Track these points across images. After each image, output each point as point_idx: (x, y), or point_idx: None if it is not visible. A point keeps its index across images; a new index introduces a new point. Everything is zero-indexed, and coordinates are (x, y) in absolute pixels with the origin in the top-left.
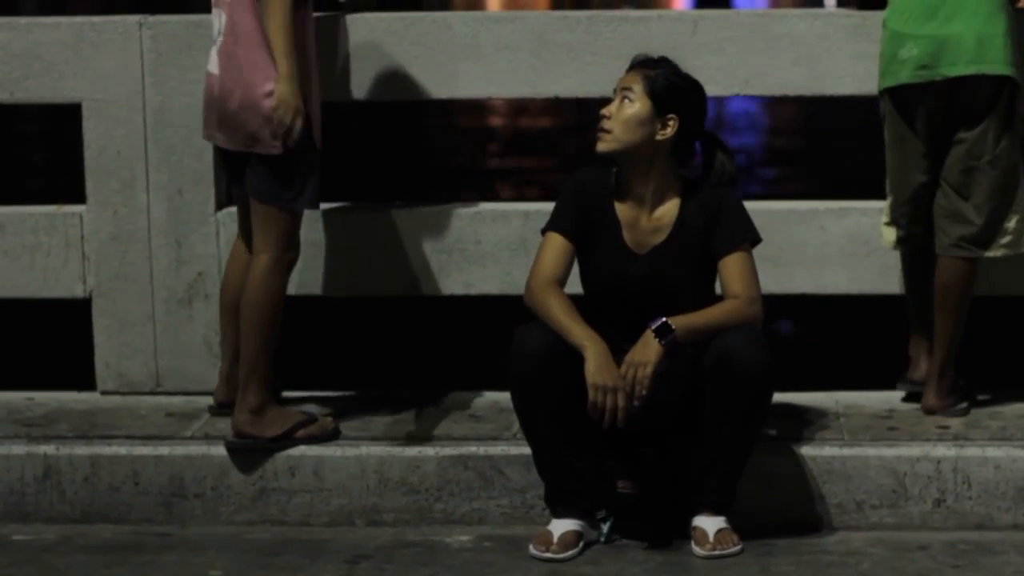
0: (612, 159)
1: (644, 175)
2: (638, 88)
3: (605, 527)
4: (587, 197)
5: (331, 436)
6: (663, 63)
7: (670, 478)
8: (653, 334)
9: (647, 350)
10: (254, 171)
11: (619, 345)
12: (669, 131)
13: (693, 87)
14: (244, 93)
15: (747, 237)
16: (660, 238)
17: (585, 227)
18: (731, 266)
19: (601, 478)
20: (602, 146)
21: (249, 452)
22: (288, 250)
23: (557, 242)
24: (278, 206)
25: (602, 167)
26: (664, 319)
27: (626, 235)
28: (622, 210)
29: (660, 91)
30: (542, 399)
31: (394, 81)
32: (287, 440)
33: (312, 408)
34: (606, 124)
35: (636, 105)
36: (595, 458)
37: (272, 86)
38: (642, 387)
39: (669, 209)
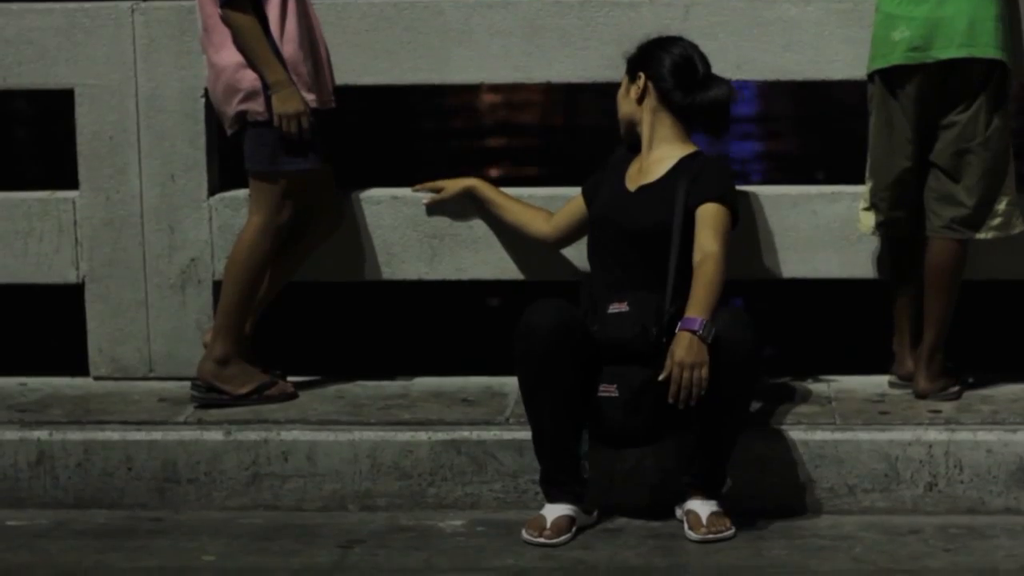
0: (631, 138)
1: (642, 132)
2: (623, 76)
3: (584, 445)
4: (612, 162)
5: (289, 398)
6: (649, 40)
7: (653, 397)
8: (698, 336)
9: (699, 352)
10: (251, 143)
11: (607, 293)
12: (641, 86)
13: (657, 41)
14: (222, 79)
15: (725, 195)
16: (647, 181)
17: (600, 183)
18: (705, 217)
19: (583, 387)
20: (622, 134)
21: (216, 406)
22: (277, 214)
23: (575, 199)
24: (257, 171)
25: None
26: (698, 318)
27: (627, 181)
28: (633, 163)
29: (629, 60)
30: (549, 377)
31: (387, 66)
32: (256, 398)
33: None
34: None
35: (621, 87)
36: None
37: (236, 63)
38: (700, 388)
39: (665, 161)
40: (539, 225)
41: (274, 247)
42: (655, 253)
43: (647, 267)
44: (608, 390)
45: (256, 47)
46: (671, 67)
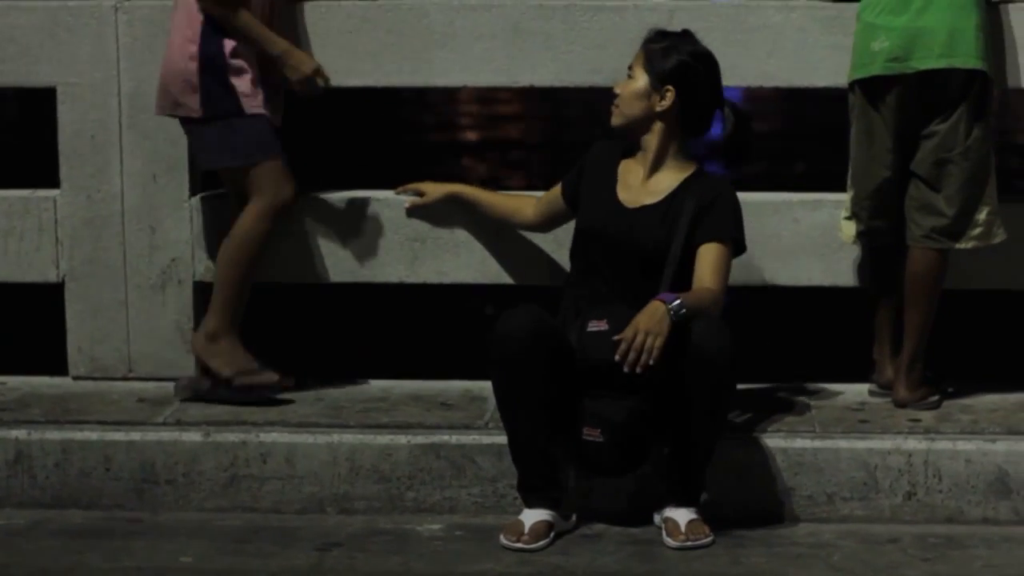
0: (623, 132)
1: (646, 142)
2: (638, 65)
3: (571, 479)
4: (596, 160)
5: (270, 390)
6: (674, 36)
7: (638, 431)
8: (667, 308)
9: (661, 322)
10: (196, 139)
11: (589, 305)
12: (667, 103)
13: (696, 59)
14: (171, 57)
15: (731, 235)
16: (650, 200)
17: (584, 184)
18: (709, 257)
19: (568, 426)
20: (613, 120)
21: (196, 394)
22: (276, 194)
23: (555, 190)
24: (239, 164)
25: (622, 139)
26: (676, 296)
27: (620, 191)
28: (624, 169)
29: (656, 65)
30: (523, 384)
31: (370, 68)
32: (229, 391)
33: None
34: (616, 100)
35: (635, 81)
36: (567, 445)
37: (194, 49)
38: (650, 356)
39: (668, 180)
40: (526, 214)
41: (271, 226)
42: (647, 273)
43: (636, 285)
44: (592, 434)
45: (253, 32)
46: (708, 101)
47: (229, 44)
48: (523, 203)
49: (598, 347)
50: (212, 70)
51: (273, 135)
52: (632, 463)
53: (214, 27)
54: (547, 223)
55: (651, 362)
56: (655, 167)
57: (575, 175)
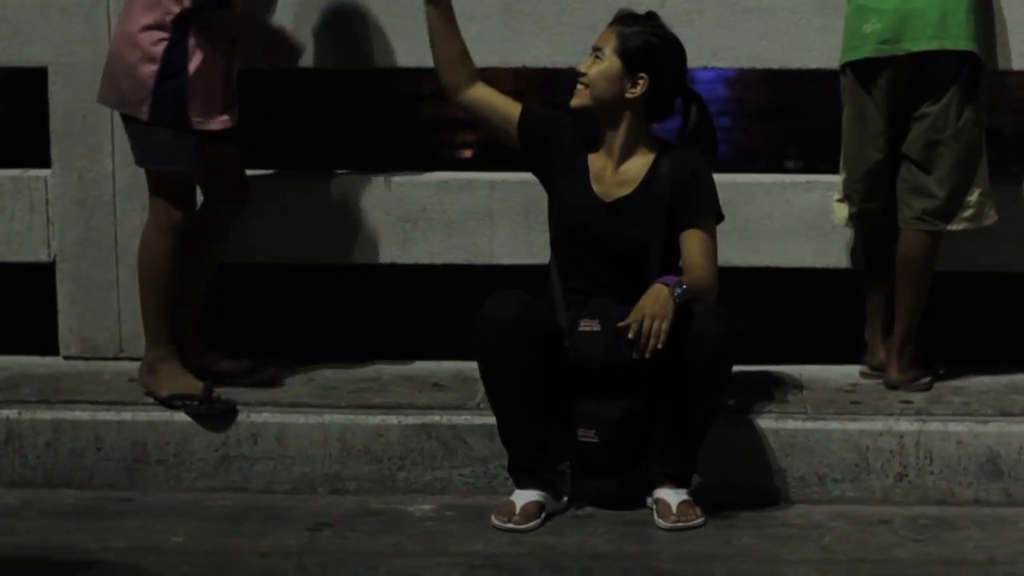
0: (587, 114)
1: (614, 129)
2: (609, 47)
3: (565, 466)
4: (570, 142)
5: (197, 413)
6: (644, 20)
7: (632, 430)
8: (670, 291)
9: (665, 305)
10: (130, 135)
11: (582, 296)
12: (639, 90)
13: (668, 46)
14: (123, 50)
15: (712, 213)
16: (625, 191)
17: (558, 165)
18: (697, 241)
19: (563, 426)
20: (574, 101)
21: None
22: (170, 211)
23: (513, 108)
24: (152, 168)
25: (583, 122)
26: (677, 278)
27: (594, 184)
28: (593, 160)
29: (631, 51)
30: (509, 366)
31: (364, 50)
32: (174, 403)
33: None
34: (581, 80)
35: (605, 63)
36: (559, 429)
37: (158, 52)
38: (658, 340)
39: (638, 165)
40: (464, 77)
41: (170, 242)
42: (631, 264)
43: (620, 276)
44: (587, 435)
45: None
46: (675, 87)
47: (196, 58)
48: (475, 74)
49: (590, 347)
50: (170, 79)
51: (197, 154)
52: (628, 462)
53: (185, 33)
54: (475, 110)
55: (659, 346)
56: (624, 155)
57: (543, 127)
